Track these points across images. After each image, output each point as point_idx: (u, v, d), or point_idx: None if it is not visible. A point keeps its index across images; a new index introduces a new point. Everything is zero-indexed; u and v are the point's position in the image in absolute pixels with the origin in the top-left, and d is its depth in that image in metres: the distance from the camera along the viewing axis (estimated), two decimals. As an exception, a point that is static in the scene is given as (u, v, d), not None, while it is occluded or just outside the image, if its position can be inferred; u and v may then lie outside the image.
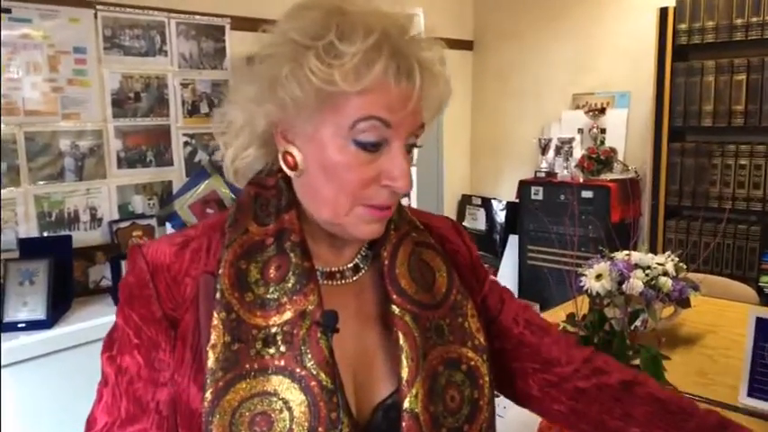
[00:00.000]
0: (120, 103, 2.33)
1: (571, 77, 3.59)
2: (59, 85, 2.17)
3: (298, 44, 0.63)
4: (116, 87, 2.31)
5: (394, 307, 0.69)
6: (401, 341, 0.67)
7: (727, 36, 2.83)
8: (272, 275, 0.66)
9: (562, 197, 3.29)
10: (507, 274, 3.64)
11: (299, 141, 0.67)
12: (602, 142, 3.38)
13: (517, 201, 3.53)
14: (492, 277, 0.87)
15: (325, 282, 0.71)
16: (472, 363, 0.70)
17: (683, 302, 1.74)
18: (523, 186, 3.46)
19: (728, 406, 1.33)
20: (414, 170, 3.55)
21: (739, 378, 1.35)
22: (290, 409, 0.62)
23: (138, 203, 2.40)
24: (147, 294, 0.67)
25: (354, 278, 0.73)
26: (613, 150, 3.31)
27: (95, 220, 2.29)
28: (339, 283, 0.72)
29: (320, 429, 0.62)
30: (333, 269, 0.72)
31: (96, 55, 2.26)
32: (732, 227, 2.91)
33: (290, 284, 0.66)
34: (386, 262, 0.72)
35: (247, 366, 0.63)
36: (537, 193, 3.39)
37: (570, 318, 1.47)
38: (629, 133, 3.39)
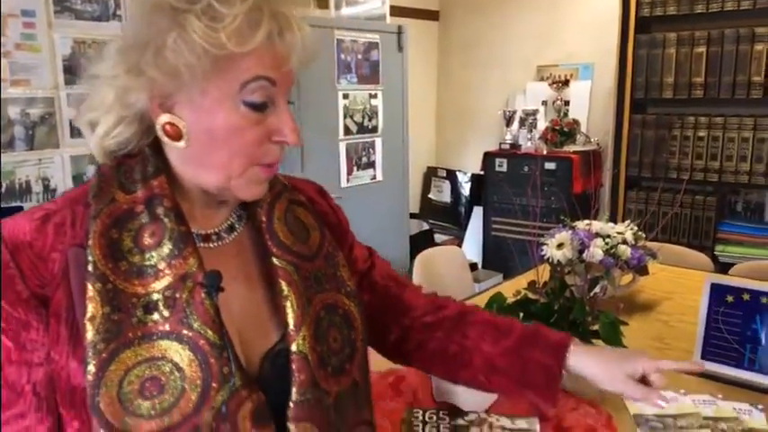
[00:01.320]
0: (73, 70, 2.23)
1: (536, 49, 3.59)
2: (7, 49, 2.07)
3: (176, 9, 0.63)
4: (68, 53, 2.22)
5: (275, 259, 0.72)
6: (285, 291, 0.70)
7: (689, 8, 2.85)
8: (146, 242, 0.66)
9: (526, 169, 3.32)
10: (472, 246, 3.67)
11: (183, 110, 0.67)
12: (566, 114, 3.40)
13: (482, 173, 3.54)
14: (358, 241, 0.93)
15: (203, 244, 0.72)
16: (347, 307, 0.75)
17: (642, 270, 1.78)
18: (488, 158, 3.47)
19: (690, 373, 1.37)
20: (378, 141, 3.52)
21: (694, 342, 1.38)
22: (180, 369, 0.63)
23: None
24: (10, 275, 0.65)
25: (231, 238, 0.75)
26: (576, 122, 3.34)
27: (48, 191, 2.21)
28: (216, 244, 0.73)
29: (214, 385, 0.63)
30: (208, 231, 0.73)
31: (46, 19, 2.15)
32: (689, 197, 2.98)
33: (166, 250, 0.66)
34: (263, 218, 0.74)
35: (130, 335, 0.63)
36: (501, 165, 3.41)
37: (531, 285, 1.48)
38: (591, 105, 3.42)
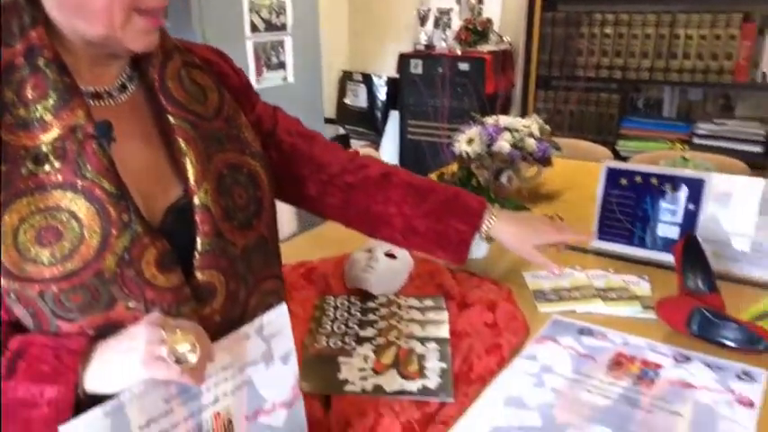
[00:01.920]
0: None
1: (449, -56, 3.48)
2: None
3: None
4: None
5: (171, 117, 0.72)
6: (183, 148, 0.71)
7: None
8: (29, 95, 0.65)
9: (440, 70, 3.30)
10: (389, 150, 3.67)
11: None
12: (480, 13, 3.37)
13: (397, 76, 3.49)
14: (263, 100, 0.95)
15: (94, 103, 0.70)
16: (252, 168, 0.76)
17: (546, 162, 1.84)
18: (403, 60, 3.41)
19: (582, 249, 1.46)
20: (288, 40, 3.37)
21: (592, 224, 1.47)
22: (77, 218, 0.64)
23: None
24: None
25: (123, 98, 0.73)
26: (489, 21, 3.32)
27: None
28: (108, 103, 0.72)
29: (113, 231, 0.64)
30: (99, 89, 0.71)
31: None
32: (595, 95, 3.08)
33: (51, 101, 0.65)
34: (155, 77, 0.73)
35: (21, 186, 0.63)
36: (416, 67, 3.37)
37: (440, 176, 1.51)
38: (505, 3, 3.40)
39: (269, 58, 2.96)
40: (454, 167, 1.75)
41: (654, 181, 1.39)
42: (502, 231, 1.04)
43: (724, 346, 1.03)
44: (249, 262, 0.75)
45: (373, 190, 0.99)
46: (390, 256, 1.24)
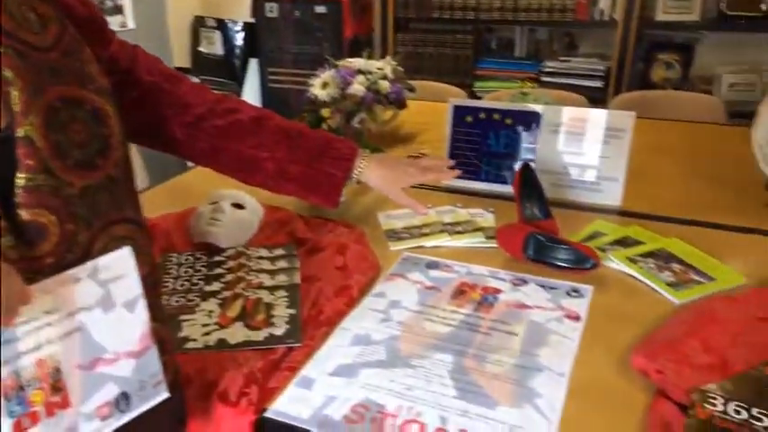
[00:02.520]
0: None
1: None
2: None
3: None
4: None
5: None
6: (10, 76, 0.65)
7: None
8: None
9: (297, 14, 3.19)
10: (251, 100, 3.54)
11: None
12: (334, -46, 3.27)
13: (253, 20, 3.34)
14: (121, 38, 0.90)
15: None
16: (97, 104, 0.72)
17: (401, 104, 1.86)
18: (257, 3, 3.26)
19: (435, 188, 1.49)
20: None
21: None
22: None
23: None
24: None
25: None
26: (344, -38, 3.24)
27: None
28: None
29: None
30: None
31: None
32: (451, 37, 3.13)
33: None
34: None
35: None
36: (272, 11, 3.24)
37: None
38: (359, -56, 3.32)
39: (102, 1, 2.70)
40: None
41: (496, 116, 1.44)
42: (372, 175, 1.07)
43: (557, 266, 1.10)
44: (93, 203, 0.69)
45: (244, 134, 0.99)
46: (237, 206, 1.20)
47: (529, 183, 1.23)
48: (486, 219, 1.30)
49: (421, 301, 1.01)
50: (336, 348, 0.90)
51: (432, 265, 1.12)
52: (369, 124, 1.75)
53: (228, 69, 3.64)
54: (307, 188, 1.04)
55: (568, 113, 1.38)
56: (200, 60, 3.72)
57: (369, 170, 1.07)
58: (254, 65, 3.51)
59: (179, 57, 3.54)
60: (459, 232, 1.23)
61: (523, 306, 1.00)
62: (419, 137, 1.90)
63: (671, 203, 1.38)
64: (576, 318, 0.96)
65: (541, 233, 1.12)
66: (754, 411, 0.73)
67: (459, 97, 2.42)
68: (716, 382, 0.78)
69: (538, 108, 1.40)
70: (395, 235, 1.23)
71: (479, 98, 2.91)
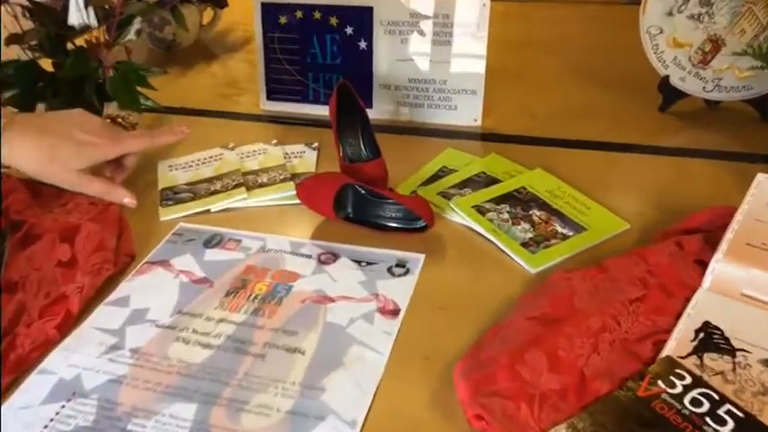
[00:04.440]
0: None
1: None
2: None
3: None
4: None
5: None
6: None
7: None
8: None
9: None
10: None
11: None
12: None
13: None
14: None
15: None
16: None
17: (220, 2, 1.45)
18: None
19: (253, 116, 1.15)
20: None
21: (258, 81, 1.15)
22: None
23: None
24: None
25: None
26: None
27: None
28: None
29: None
30: None
31: None
32: None
33: None
34: None
35: None
36: None
37: (12, 39, 1.04)
38: None
39: None
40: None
41: (317, 15, 1.07)
42: (19, 157, 0.72)
43: (383, 227, 0.81)
44: None
45: None
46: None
47: (348, 109, 0.90)
48: (305, 160, 0.98)
49: (179, 307, 0.70)
50: (19, 412, 0.59)
51: (211, 242, 0.81)
52: (182, 37, 1.35)
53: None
54: None
55: (408, 6, 1.03)
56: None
57: (12, 149, 0.71)
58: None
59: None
60: (263, 184, 0.91)
61: (324, 298, 0.71)
62: (251, 43, 1.51)
63: (544, 119, 1.09)
64: (394, 312, 0.68)
65: (361, 184, 0.81)
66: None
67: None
68: (568, 414, 0.53)
69: (370, 2, 1.05)
70: (172, 196, 0.90)
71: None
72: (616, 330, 0.60)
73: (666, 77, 1.05)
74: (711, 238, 0.69)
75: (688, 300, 0.64)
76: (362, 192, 0.81)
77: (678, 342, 0.60)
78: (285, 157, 0.97)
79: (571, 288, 0.64)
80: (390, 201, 0.80)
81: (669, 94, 1.07)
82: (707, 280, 0.65)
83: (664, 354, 0.59)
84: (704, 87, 1.04)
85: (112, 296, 0.72)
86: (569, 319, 0.60)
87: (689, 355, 0.59)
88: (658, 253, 0.68)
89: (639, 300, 0.63)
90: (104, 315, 0.69)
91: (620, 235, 0.79)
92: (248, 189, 0.89)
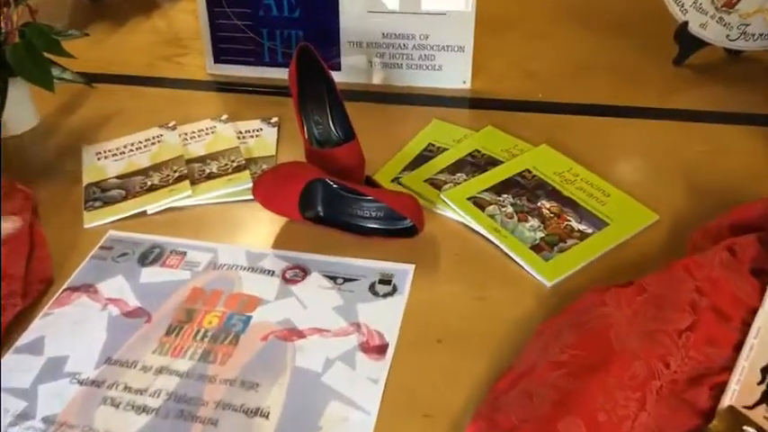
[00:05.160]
0: None
1: None
2: None
3: None
4: None
5: None
6: None
7: None
8: None
9: None
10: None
11: None
12: None
13: None
14: None
15: None
16: None
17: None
18: None
19: (198, 83, 0.97)
20: None
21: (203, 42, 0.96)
22: None
23: None
24: None
25: None
26: None
27: None
28: None
29: None
30: None
31: None
32: None
33: None
34: None
35: None
36: None
37: None
38: None
39: None
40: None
41: (269, -42, 0.89)
42: None
43: (362, 230, 0.66)
44: None
45: None
46: None
47: (312, 79, 0.74)
48: (263, 139, 0.81)
49: (107, 353, 0.55)
50: None
51: (148, 257, 0.65)
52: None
53: None
54: None
55: (381, -55, 0.85)
56: None
57: None
58: None
59: None
60: (211, 175, 0.75)
61: (291, 333, 0.56)
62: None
63: (543, 78, 0.93)
64: (380, 349, 0.54)
65: (332, 178, 0.65)
66: None
67: None
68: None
69: (333, -61, 0.86)
70: (100, 195, 0.73)
71: None
72: (664, 374, 0.48)
73: (684, 24, 0.90)
74: (768, 239, 0.56)
75: (748, 324, 0.51)
76: (334, 187, 0.66)
77: (742, 386, 0.48)
78: (239, 137, 0.81)
79: (606, 319, 0.51)
80: (369, 198, 0.65)
81: (687, 43, 0.92)
82: (769, 297, 0.52)
83: (725, 403, 0.47)
84: (728, 35, 0.89)
85: (22, 340, 0.56)
86: (608, 365, 0.47)
87: (757, 404, 0.47)
88: (707, 264, 0.54)
89: (689, 329, 0.50)
90: (11, 368, 0.54)
91: (648, 229, 0.65)
92: (193, 182, 0.73)
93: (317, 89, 0.74)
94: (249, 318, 0.58)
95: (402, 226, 0.65)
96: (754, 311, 0.52)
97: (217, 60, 0.96)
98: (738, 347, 0.50)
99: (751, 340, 0.50)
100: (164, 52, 1.05)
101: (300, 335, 0.56)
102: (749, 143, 0.76)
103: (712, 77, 0.91)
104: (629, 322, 0.50)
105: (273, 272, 0.62)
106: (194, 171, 0.75)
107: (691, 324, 0.51)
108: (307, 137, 0.72)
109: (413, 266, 0.62)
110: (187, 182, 0.73)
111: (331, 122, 0.74)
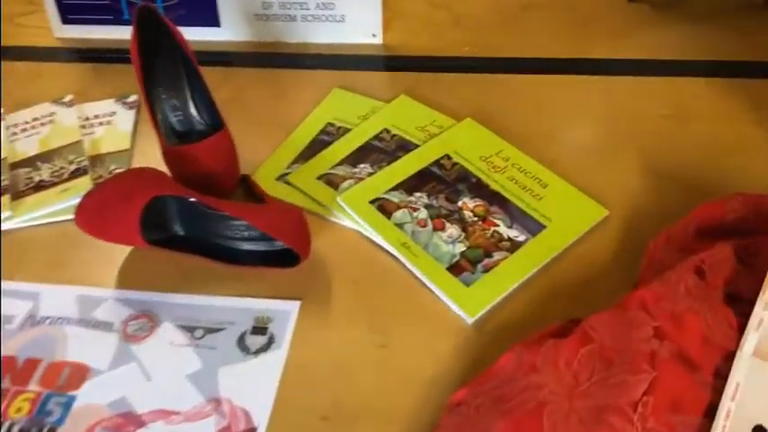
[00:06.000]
0: None
1: None
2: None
3: None
4: None
5: None
6: None
7: None
8: None
9: None
10: None
11: None
12: None
13: None
14: None
15: None
16: None
17: None
18: None
19: (43, 51, 0.77)
20: None
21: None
22: None
23: None
24: None
25: None
26: None
27: None
28: None
29: None
30: None
31: None
32: None
33: None
34: None
35: None
36: None
37: None
38: None
39: None
40: None
41: None
42: None
43: (230, 255, 0.51)
44: None
45: None
46: None
47: (161, 50, 0.56)
48: (115, 128, 0.64)
49: None
50: None
51: (-55, 313, 0.49)
52: None
53: None
54: None
55: None
56: None
57: None
58: None
59: None
60: (41, 185, 0.57)
61: (127, 420, 0.42)
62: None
63: (470, 26, 0.76)
64: (247, 436, 0.41)
65: (184, 193, 0.49)
66: None
67: None
68: None
69: None
70: None
71: None
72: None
73: (638, -50, 0.74)
74: (748, 250, 0.43)
75: (723, 377, 0.39)
76: (188, 201, 0.50)
77: (720, 473, 0.35)
78: (83, 126, 0.63)
79: (539, 392, 0.37)
80: (235, 219, 0.49)
81: (641, -27, 0.76)
82: (750, 339, 0.40)
83: (698, 499, 0.35)
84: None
85: None
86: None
87: (740, 498, 0.35)
88: (668, 295, 0.41)
89: (647, 392, 0.38)
90: None
91: (595, 228, 0.52)
92: (15, 197, 0.56)
93: (170, 64, 0.56)
94: (72, 399, 0.43)
95: (281, 247, 0.50)
96: (729, 357, 0.39)
97: (65, 21, 0.76)
98: (711, 412, 0.38)
99: (727, 403, 0.38)
100: (5, 11, 0.84)
101: (139, 423, 0.41)
102: (721, 103, 0.62)
103: (675, 13, 0.76)
104: (569, 395, 0.37)
105: (112, 324, 0.47)
106: (18, 180, 0.58)
107: (649, 386, 0.38)
108: (163, 131, 0.55)
109: (298, 304, 0.48)
110: (7, 197, 0.55)
111: (193, 106, 0.57)
